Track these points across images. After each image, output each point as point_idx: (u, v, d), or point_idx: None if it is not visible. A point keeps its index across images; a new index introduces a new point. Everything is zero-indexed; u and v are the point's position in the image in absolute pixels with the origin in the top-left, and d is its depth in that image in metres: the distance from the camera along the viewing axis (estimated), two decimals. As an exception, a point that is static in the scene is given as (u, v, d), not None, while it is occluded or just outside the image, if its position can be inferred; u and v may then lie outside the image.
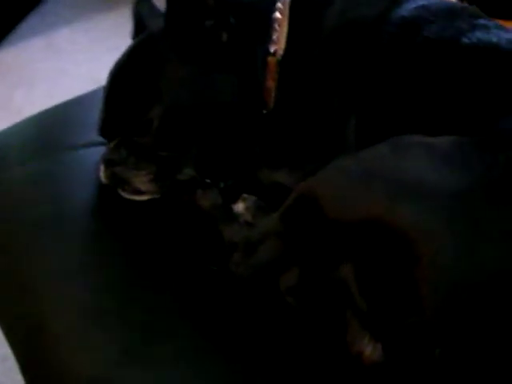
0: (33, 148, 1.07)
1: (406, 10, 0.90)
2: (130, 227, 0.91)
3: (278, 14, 0.94)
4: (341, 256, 0.73)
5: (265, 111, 0.94)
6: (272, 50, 0.93)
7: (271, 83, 0.93)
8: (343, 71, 0.90)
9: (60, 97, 2.46)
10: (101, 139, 1.03)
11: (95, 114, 1.12)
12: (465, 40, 0.83)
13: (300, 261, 0.79)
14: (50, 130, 1.11)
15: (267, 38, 0.93)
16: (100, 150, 1.02)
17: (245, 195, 0.92)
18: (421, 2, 0.92)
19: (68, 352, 0.81)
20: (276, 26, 0.94)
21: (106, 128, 0.95)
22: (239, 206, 0.90)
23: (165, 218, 0.92)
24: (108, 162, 0.92)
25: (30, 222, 0.93)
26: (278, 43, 0.93)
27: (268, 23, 0.93)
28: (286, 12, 0.95)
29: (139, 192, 0.92)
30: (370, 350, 0.70)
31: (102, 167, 0.94)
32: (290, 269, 0.80)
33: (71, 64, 2.64)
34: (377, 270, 0.70)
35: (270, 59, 0.93)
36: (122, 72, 0.94)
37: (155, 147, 0.91)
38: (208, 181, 0.94)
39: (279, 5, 0.95)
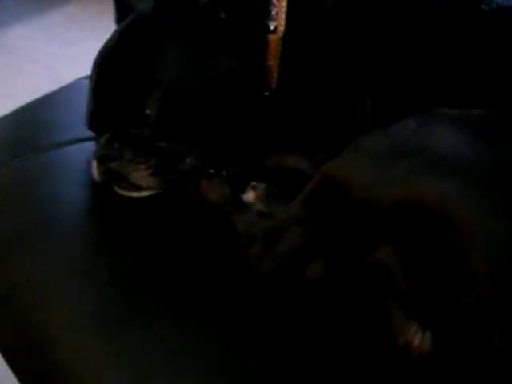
0: (7, 149, 0.98)
1: None
2: (131, 228, 0.83)
3: (275, -12, 0.88)
4: (377, 238, 0.68)
5: (267, 93, 0.88)
6: (272, 26, 0.87)
7: (273, 63, 0.87)
8: (354, 46, 0.84)
9: (18, 96, 2.36)
10: (85, 134, 0.95)
11: (72, 110, 1.05)
12: (484, 7, 0.78)
13: (326, 249, 0.73)
14: (24, 129, 1.02)
15: (266, 14, 0.87)
16: (86, 147, 0.95)
17: (253, 183, 0.85)
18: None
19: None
20: (274, 0, 0.87)
21: (96, 121, 0.87)
22: (249, 195, 0.84)
23: (169, 215, 0.84)
24: (101, 158, 0.84)
25: (16, 229, 0.84)
26: (278, 19, 0.87)
27: (265, -2, 0.87)
28: (284, -15, 0.88)
29: (138, 188, 0.85)
30: (418, 339, 0.65)
31: (94, 164, 0.86)
32: (314, 259, 0.75)
33: (27, 62, 2.53)
34: (419, 249, 0.65)
35: (271, 37, 0.87)
36: (110, 59, 0.86)
37: (154, 138, 0.83)
38: (211, 170, 0.87)
39: (276, -22, 0.88)
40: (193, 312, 0.73)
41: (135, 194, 0.85)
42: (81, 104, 1.01)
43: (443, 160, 0.67)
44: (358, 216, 0.69)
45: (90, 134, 0.92)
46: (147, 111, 0.82)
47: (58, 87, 2.42)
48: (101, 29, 2.81)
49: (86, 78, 1.14)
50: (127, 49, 0.85)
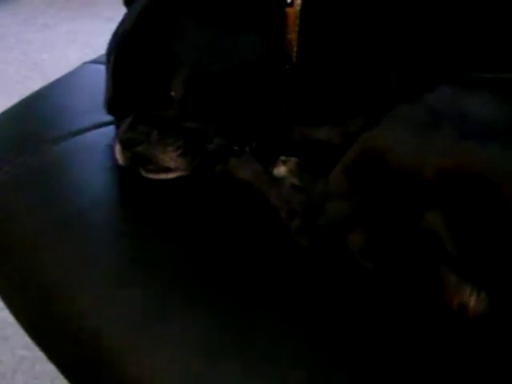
0: (22, 141, 0.95)
1: None
2: (162, 214, 0.81)
3: (290, -40, 0.87)
4: (423, 206, 0.68)
5: (288, 66, 0.87)
6: (288, 0, 0.86)
7: (292, 36, 0.86)
8: (375, 17, 0.83)
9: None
10: (103, 119, 0.94)
11: (83, 96, 1.03)
12: None
13: (369, 219, 0.74)
14: (36, 119, 0.99)
15: (282, -13, 0.86)
16: (105, 132, 0.94)
17: (283, 157, 0.85)
18: None
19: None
20: (290, -28, 0.86)
21: (117, 105, 0.86)
22: (280, 170, 0.84)
23: (200, 196, 0.83)
24: (127, 142, 0.83)
25: (44, 223, 0.82)
26: (295, -9, 0.86)
27: (281, -30, 0.86)
28: (298, -43, 0.87)
29: (166, 170, 0.84)
30: (474, 300, 0.66)
31: (118, 148, 0.85)
32: (355, 229, 0.75)
33: (2, 49, 2.48)
34: (467, 214, 0.65)
35: (289, 10, 0.86)
36: (129, 41, 0.84)
37: (180, 119, 0.82)
38: (236, 147, 0.87)
39: (289, -50, 0.87)
40: (243, 296, 0.72)
41: (163, 176, 0.84)
42: (91, 89, 1.00)
43: (484, 125, 0.67)
44: (402, 185, 0.69)
45: (107, 118, 0.91)
46: (172, 93, 0.81)
47: (37, 74, 2.38)
48: (75, 9, 2.77)
49: (91, 62, 1.13)
50: (147, 30, 0.83)
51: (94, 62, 1.09)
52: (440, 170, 0.66)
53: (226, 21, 0.83)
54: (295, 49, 0.87)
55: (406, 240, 0.71)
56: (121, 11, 0.94)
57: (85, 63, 1.11)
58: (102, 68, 0.91)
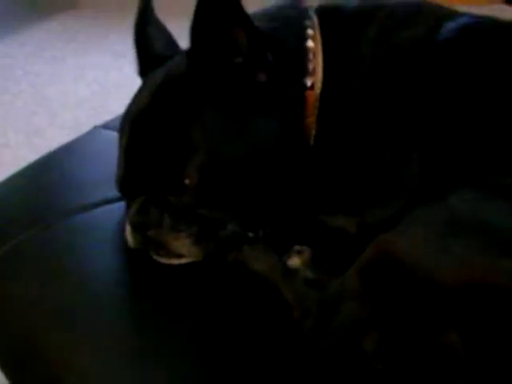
0: (27, 213, 0.93)
1: (452, 30, 0.83)
2: (172, 300, 0.80)
3: (310, 42, 0.85)
4: (442, 321, 0.66)
5: (304, 151, 0.85)
6: (309, 83, 0.84)
7: (311, 119, 0.85)
8: (396, 104, 0.82)
9: (2, 117, 2.29)
10: (114, 194, 0.91)
11: (93, 165, 1.01)
12: None
13: (382, 324, 0.71)
14: (42, 190, 0.97)
15: (303, 70, 0.84)
16: (116, 208, 0.91)
17: (297, 247, 0.83)
18: (462, 20, 0.84)
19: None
20: (310, 55, 0.85)
21: (128, 185, 0.84)
22: (295, 261, 0.81)
23: (211, 284, 0.81)
24: (138, 226, 0.81)
25: (53, 307, 0.80)
26: (315, 75, 0.84)
27: (302, 54, 0.84)
28: (318, 38, 0.85)
29: (179, 256, 0.82)
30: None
31: (129, 230, 0.83)
32: (369, 332, 0.73)
33: (10, 81, 2.47)
34: (489, 332, 0.63)
35: (309, 93, 0.84)
36: (144, 121, 0.83)
37: (194, 206, 0.80)
38: (250, 233, 0.84)
39: (310, 31, 0.86)
40: None
41: (175, 262, 0.82)
42: (102, 158, 0.98)
43: (506, 236, 0.65)
44: (419, 294, 0.67)
45: (118, 193, 0.89)
46: (186, 180, 0.79)
47: (44, 109, 2.37)
48: (84, 43, 2.77)
49: (102, 126, 1.11)
50: (161, 110, 0.82)
51: (106, 127, 1.08)
52: (460, 282, 0.64)
53: (243, 105, 0.81)
54: (313, 132, 0.85)
55: (421, 349, 0.68)
56: (131, 46, 0.92)
57: (96, 128, 1.10)
58: (114, 135, 0.90)
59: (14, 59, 2.59)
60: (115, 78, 2.33)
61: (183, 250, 0.81)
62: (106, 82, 2.36)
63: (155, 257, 0.83)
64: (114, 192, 0.89)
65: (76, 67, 2.51)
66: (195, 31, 0.79)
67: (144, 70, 0.92)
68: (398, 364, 0.71)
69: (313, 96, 0.84)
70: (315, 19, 0.86)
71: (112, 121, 1.05)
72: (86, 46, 2.63)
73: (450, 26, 0.83)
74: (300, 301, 0.75)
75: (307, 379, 0.72)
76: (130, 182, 0.83)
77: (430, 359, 0.67)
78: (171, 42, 0.95)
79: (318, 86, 0.84)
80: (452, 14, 0.86)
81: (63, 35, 2.72)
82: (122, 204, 0.89)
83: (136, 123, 0.83)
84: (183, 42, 0.85)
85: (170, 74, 0.84)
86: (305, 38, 0.85)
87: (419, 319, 0.68)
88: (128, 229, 0.83)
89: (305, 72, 0.84)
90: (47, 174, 0.98)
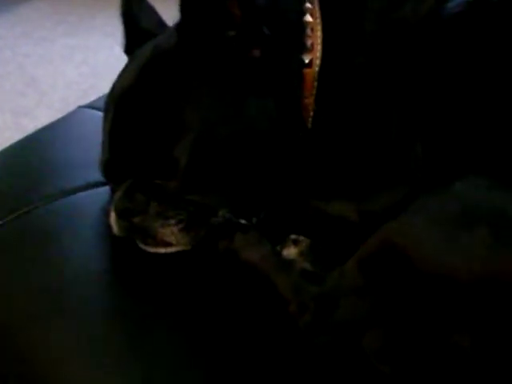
0: (7, 197, 0.87)
1: (460, 3, 0.77)
2: (158, 292, 0.74)
3: (309, 17, 0.79)
4: (451, 317, 0.61)
5: (301, 133, 0.80)
6: (307, 60, 0.78)
7: (309, 100, 0.79)
8: (400, 82, 0.76)
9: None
10: (98, 178, 0.86)
11: (77, 148, 0.95)
12: None
13: (387, 321, 0.66)
14: (24, 173, 0.91)
15: (300, 46, 0.78)
16: (100, 192, 0.86)
17: (293, 236, 0.78)
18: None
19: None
20: (308, 31, 0.79)
21: (113, 169, 0.78)
22: (291, 251, 0.76)
23: (200, 276, 0.76)
24: (123, 212, 0.76)
25: (30, 298, 0.74)
26: (313, 51, 0.79)
27: (300, 28, 0.78)
28: (318, 13, 0.80)
29: (167, 244, 0.76)
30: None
31: (113, 217, 0.77)
32: (371, 329, 0.68)
33: (-2, 62, 2.41)
34: (502, 333, 0.58)
35: (307, 71, 0.78)
36: (130, 99, 0.77)
37: (184, 190, 0.75)
38: (242, 220, 0.79)
39: (308, 5, 0.80)
40: None
41: (162, 251, 0.77)
42: (86, 140, 0.93)
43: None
44: (426, 289, 0.62)
45: (102, 177, 0.83)
46: (175, 162, 0.73)
47: (32, 90, 2.30)
48: (73, 23, 2.70)
49: (86, 106, 1.05)
50: (148, 89, 0.76)
51: (90, 106, 1.02)
52: (473, 277, 0.59)
53: (237, 83, 0.76)
54: (311, 114, 0.79)
55: (427, 348, 0.63)
56: (120, 27, 0.88)
57: (80, 107, 1.04)
58: (99, 115, 0.84)
59: (2, 40, 2.52)
60: (104, 59, 2.27)
61: (171, 238, 0.75)
62: (95, 63, 2.30)
63: (141, 245, 0.77)
64: (98, 176, 0.83)
65: (65, 48, 2.44)
66: (185, 2, 0.73)
67: (131, 47, 0.86)
68: (401, 363, 0.66)
69: (311, 74, 0.78)
70: (314, -8, 0.81)
71: (98, 100, 1.00)
72: (76, 26, 2.56)
73: None
74: (296, 294, 0.70)
75: (304, 378, 0.67)
76: (115, 165, 0.78)
77: (437, 359, 0.62)
78: (159, 20, 0.89)
79: (317, 63, 0.78)
80: None
81: (53, 16, 2.64)
82: (106, 188, 0.84)
83: (121, 101, 0.78)
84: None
85: (158, 48, 0.79)
86: (303, 12, 0.79)
87: (426, 316, 0.63)
88: (113, 215, 0.77)
89: (302, 48, 0.78)
90: (28, 157, 0.93)
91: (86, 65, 2.32)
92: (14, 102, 2.19)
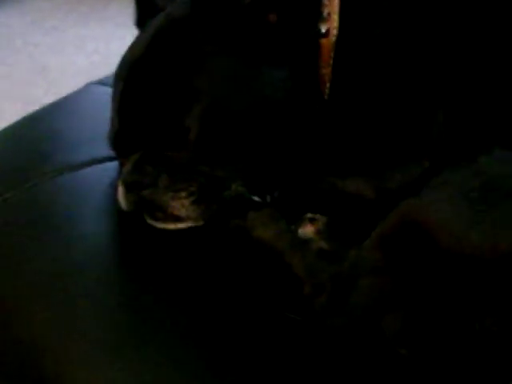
0: (11, 172, 0.84)
1: None
2: (167, 271, 0.71)
3: (326, -15, 0.76)
4: (477, 299, 0.57)
5: (318, 105, 0.76)
6: (324, 29, 0.75)
7: (326, 70, 0.75)
8: (420, 54, 0.72)
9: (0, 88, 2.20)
10: (105, 153, 0.83)
11: (85, 123, 0.92)
12: None
13: (407, 302, 0.62)
14: (30, 147, 0.88)
15: (317, 15, 0.75)
16: (108, 168, 0.82)
17: (309, 215, 0.74)
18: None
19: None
20: (325, 0, 0.75)
21: (122, 141, 0.75)
22: (307, 230, 0.72)
23: (211, 255, 0.72)
24: (132, 185, 0.72)
25: (34, 278, 0.71)
26: (331, 21, 0.75)
27: (316, -4, 0.75)
28: (335, -18, 0.76)
29: (176, 219, 0.73)
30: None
31: (121, 191, 0.74)
32: (391, 311, 0.64)
33: (9, 51, 2.38)
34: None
35: (324, 41, 0.75)
36: (140, 69, 0.74)
37: (194, 162, 0.71)
38: (256, 198, 0.75)
39: (325, -28, 0.76)
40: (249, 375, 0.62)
41: (171, 226, 0.73)
42: (94, 115, 0.90)
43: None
44: (449, 268, 0.58)
45: (110, 152, 0.80)
46: (187, 132, 0.70)
47: (42, 79, 2.28)
48: (85, 13, 2.67)
49: (95, 83, 1.02)
50: (160, 57, 0.73)
51: (100, 83, 0.99)
52: (499, 255, 0.55)
53: (252, 51, 0.72)
54: (328, 85, 0.76)
55: (451, 331, 0.59)
56: (132, 17, 0.85)
57: (89, 84, 1.01)
58: (108, 91, 0.81)
59: (13, 29, 2.50)
60: (116, 48, 2.22)
61: (181, 211, 0.72)
62: (106, 52, 2.27)
63: (150, 221, 0.74)
64: (104, 151, 0.80)
65: (76, 38, 2.42)
66: None
67: (142, 21, 0.83)
68: (424, 348, 0.62)
69: (328, 44, 0.75)
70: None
71: (108, 77, 0.96)
72: (87, 16, 2.54)
73: None
74: (312, 274, 0.66)
75: (319, 364, 0.63)
76: (124, 136, 0.75)
77: (462, 343, 0.58)
78: None
79: (334, 33, 0.75)
80: None
81: (64, 5, 2.62)
82: (112, 164, 0.81)
83: (132, 70, 0.75)
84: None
85: (170, 16, 0.75)
86: (321, -21, 0.75)
87: (449, 296, 0.59)
88: (120, 189, 0.74)
89: (319, 17, 0.75)
90: (34, 132, 0.90)
91: (97, 54, 2.30)
92: (24, 91, 2.17)
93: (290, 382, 0.62)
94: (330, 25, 0.75)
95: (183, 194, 0.71)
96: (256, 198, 0.75)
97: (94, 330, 0.66)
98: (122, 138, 0.75)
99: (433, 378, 0.60)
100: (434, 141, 0.71)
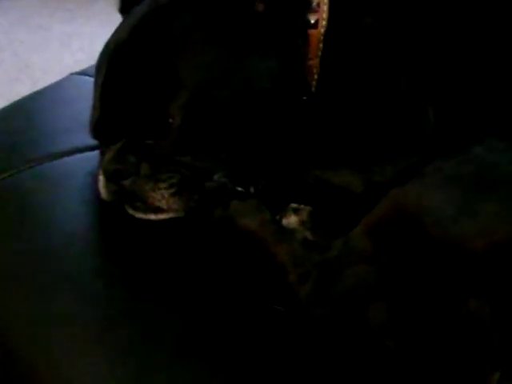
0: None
1: None
2: (147, 262, 0.69)
3: (315, -25, 0.75)
4: (467, 286, 0.56)
5: (305, 97, 0.75)
6: (313, 20, 0.74)
7: (314, 62, 0.74)
8: (410, 45, 0.72)
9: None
10: (86, 143, 0.81)
11: (66, 113, 0.90)
12: None
13: (394, 291, 0.61)
14: (10, 136, 0.87)
15: (305, 5, 0.74)
16: (88, 158, 0.81)
17: (294, 205, 0.73)
18: None
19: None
20: (315, -11, 0.74)
21: (104, 128, 0.74)
22: (291, 220, 0.71)
23: (193, 245, 0.71)
24: (112, 174, 0.71)
25: (10, 266, 0.70)
26: (320, 11, 0.74)
27: (306, -14, 0.74)
28: (325, -28, 0.75)
29: (157, 210, 0.71)
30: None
31: (102, 180, 0.72)
32: (377, 301, 0.63)
33: (-8, 49, 2.36)
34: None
35: (312, 32, 0.74)
36: (122, 56, 0.72)
37: (176, 152, 0.70)
38: (239, 188, 0.74)
39: (315, -38, 0.75)
40: (230, 366, 0.61)
41: (152, 217, 0.72)
42: (76, 105, 0.89)
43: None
44: (440, 257, 0.57)
45: (90, 141, 0.78)
46: (169, 120, 0.69)
47: (26, 76, 2.25)
48: (71, 11, 2.65)
49: (78, 73, 1.01)
50: (143, 44, 0.71)
51: (83, 73, 0.97)
52: (493, 246, 0.54)
53: (238, 39, 0.71)
54: (316, 77, 0.75)
55: (439, 321, 0.58)
56: (118, 15, 0.83)
57: (72, 74, 0.99)
58: (91, 81, 0.79)
59: (-4, 26, 2.48)
60: (101, 47, 2.22)
61: (162, 203, 0.70)
62: (91, 50, 2.24)
63: (131, 211, 0.72)
64: (86, 140, 0.79)
65: (62, 35, 2.40)
66: None
67: (127, 7, 0.81)
68: (411, 338, 0.61)
69: (316, 35, 0.74)
70: None
71: (89, 67, 0.95)
72: (73, 14, 2.52)
73: None
74: (297, 263, 0.65)
75: (304, 354, 0.62)
76: (106, 124, 0.73)
77: (450, 332, 0.57)
78: None
79: (323, 24, 0.74)
80: None
81: (50, 2, 2.60)
82: (94, 154, 0.79)
83: (115, 57, 0.73)
84: None
85: (156, 2, 0.74)
86: (310, -32, 0.74)
87: (437, 286, 0.58)
88: (101, 179, 0.73)
89: (308, 7, 0.74)
90: (15, 121, 0.88)
91: (82, 52, 2.28)
92: (7, 88, 2.14)
93: (275, 374, 0.60)
94: (320, 15, 0.74)
95: (164, 185, 0.69)
96: (239, 189, 0.74)
97: (76, 313, 0.64)
98: (104, 126, 0.73)
99: (420, 369, 0.59)
100: (424, 136, 0.70)
